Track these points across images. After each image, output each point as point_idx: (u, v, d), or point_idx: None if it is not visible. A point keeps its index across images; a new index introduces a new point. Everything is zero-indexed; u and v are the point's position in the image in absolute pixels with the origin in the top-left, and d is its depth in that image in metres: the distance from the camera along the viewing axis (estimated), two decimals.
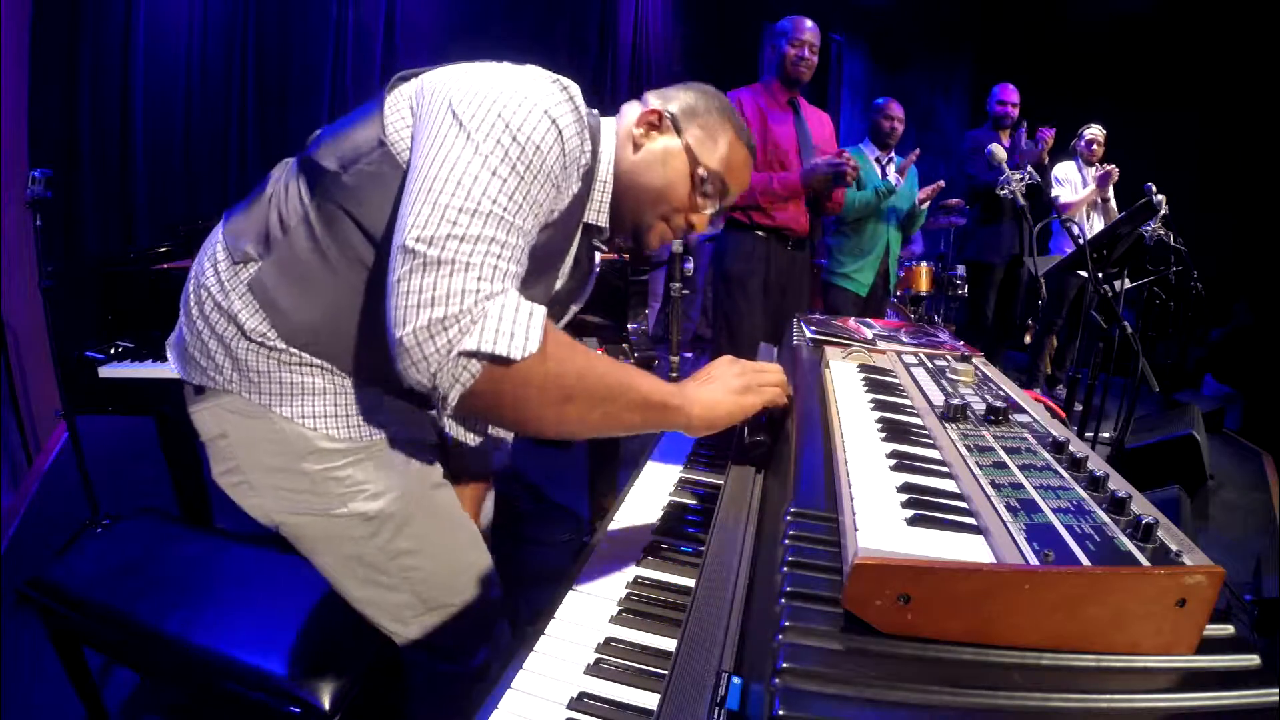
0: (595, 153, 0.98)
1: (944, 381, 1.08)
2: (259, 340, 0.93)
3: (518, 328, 0.74)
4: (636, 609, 0.80)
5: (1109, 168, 4.06)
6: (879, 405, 0.95)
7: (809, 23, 2.69)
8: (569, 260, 1.07)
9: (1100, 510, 0.62)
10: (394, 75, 0.96)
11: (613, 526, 0.99)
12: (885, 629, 0.53)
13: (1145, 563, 0.54)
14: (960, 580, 0.52)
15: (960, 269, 4.98)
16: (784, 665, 0.49)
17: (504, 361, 0.73)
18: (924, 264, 4.53)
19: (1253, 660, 0.53)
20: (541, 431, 0.83)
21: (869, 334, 1.39)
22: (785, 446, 0.97)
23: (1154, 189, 2.92)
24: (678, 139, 1.02)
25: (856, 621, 0.53)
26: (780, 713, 0.46)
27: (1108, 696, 0.50)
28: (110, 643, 1.18)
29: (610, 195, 1.03)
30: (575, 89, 0.90)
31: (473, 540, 1.12)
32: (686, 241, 2.34)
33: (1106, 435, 3.23)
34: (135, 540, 1.33)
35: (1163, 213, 2.96)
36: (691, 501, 1.05)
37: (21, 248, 2.62)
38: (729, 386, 0.94)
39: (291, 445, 0.96)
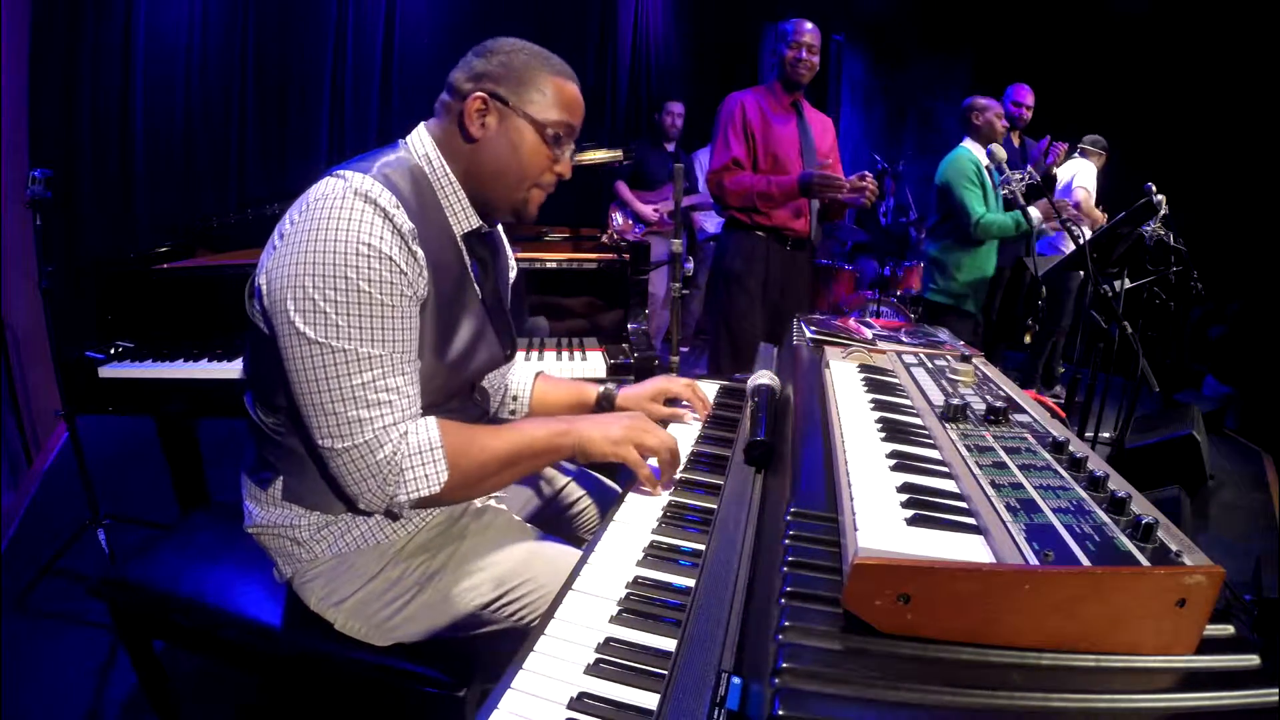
0: (425, 197, 1.03)
1: (944, 381, 1.08)
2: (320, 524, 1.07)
3: (426, 470, 0.98)
4: (636, 609, 0.80)
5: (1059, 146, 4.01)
6: (879, 405, 0.95)
7: (808, 24, 2.67)
8: (470, 277, 1.12)
9: (1100, 510, 0.62)
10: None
11: (613, 526, 0.99)
12: (885, 629, 0.53)
13: (1145, 563, 0.54)
14: (960, 580, 0.52)
15: None
16: (784, 665, 0.49)
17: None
18: (924, 264, 4.51)
19: (1253, 660, 0.53)
20: (481, 495, 1.13)
21: (869, 334, 1.39)
22: (785, 446, 0.97)
23: (1154, 189, 2.91)
24: (511, 111, 1.04)
25: (856, 621, 0.53)
26: (780, 713, 0.46)
27: (1108, 696, 0.50)
28: (186, 630, 1.20)
29: (466, 196, 1.08)
30: (378, 190, 0.94)
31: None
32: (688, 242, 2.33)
33: (1106, 435, 3.23)
34: (207, 531, 1.35)
35: (1163, 213, 2.96)
36: (692, 501, 1.05)
37: (21, 248, 2.62)
38: (609, 435, 1.08)
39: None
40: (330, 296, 0.91)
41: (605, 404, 1.36)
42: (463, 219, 1.09)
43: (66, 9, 3.11)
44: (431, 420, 1.00)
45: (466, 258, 1.11)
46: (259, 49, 3.88)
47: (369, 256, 0.92)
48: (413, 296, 0.98)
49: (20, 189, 1.93)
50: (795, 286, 2.84)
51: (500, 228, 1.28)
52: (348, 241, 0.91)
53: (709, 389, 1.54)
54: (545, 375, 1.42)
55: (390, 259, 0.93)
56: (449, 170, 1.06)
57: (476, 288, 1.13)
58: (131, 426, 2.44)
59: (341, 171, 0.97)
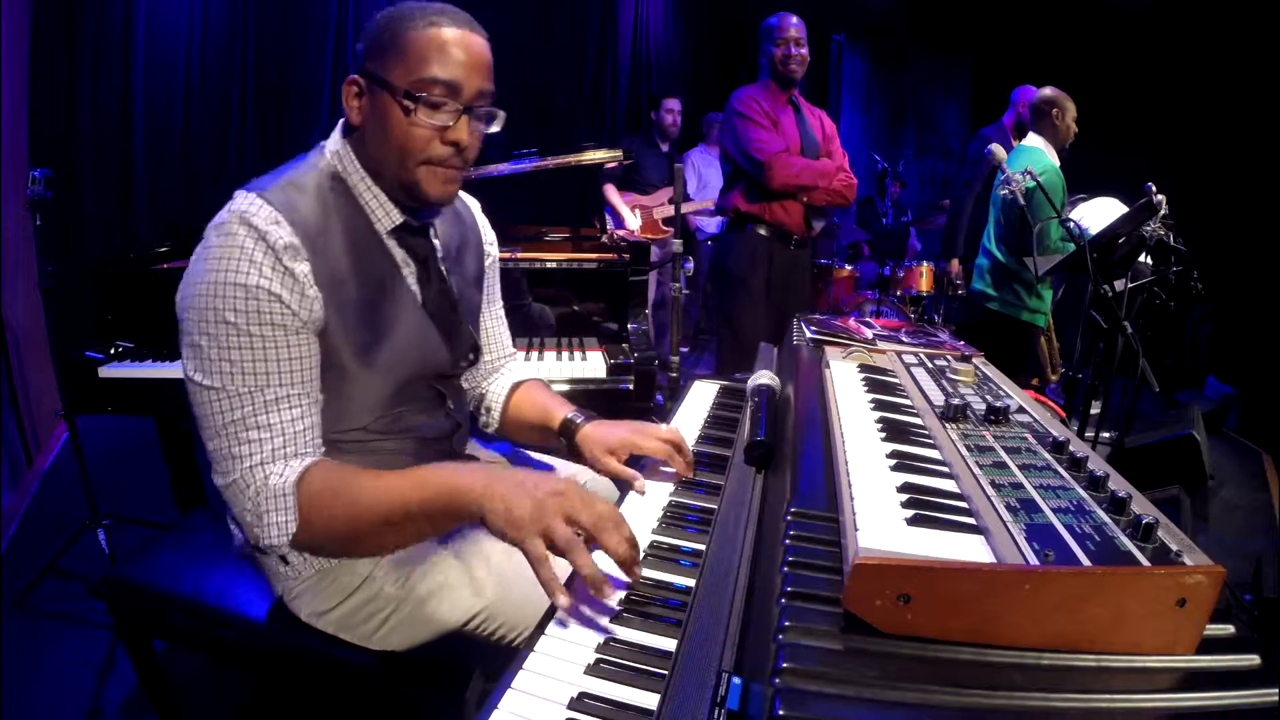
0: (334, 202, 0.98)
1: (944, 381, 1.08)
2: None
3: (277, 517, 0.91)
4: (637, 609, 0.80)
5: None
6: (879, 405, 0.95)
7: (793, 18, 2.63)
8: (400, 277, 1.05)
9: (1100, 510, 0.62)
10: None
11: None
12: (885, 629, 0.53)
13: (1145, 563, 0.54)
14: (960, 580, 0.52)
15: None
16: (784, 665, 0.49)
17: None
18: (924, 264, 4.51)
19: (1253, 660, 0.53)
20: (370, 555, 1.02)
21: (869, 334, 1.39)
22: (785, 446, 0.97)
23: (1154, 189, 2.91)
24: (376, 86, 0.94)
25: (856, 621, 0.53)
26: (781, 712, 0.46)
27: (1108, 696, 0.50)
28: (186, 630, 1.20)
29: (380, 189, 1.02)
30: (256, 207, 0.91)
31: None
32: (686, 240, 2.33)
33: (1106, 435, 3.23)
34: (207, 531, 1.35)
35: (1163, 213, 2.95)
36: (692, 501, 1.05)
37: (21, 248, 2.62)
38: (511, 512, 0.82)
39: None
40: (204, 329, 0.90)
41: (565, 436, 1.20)
42: (382, 215, 1.02)
43: (66, 9, 3.10)
44: (297, 464, 0.93)
45: (399, 256, 1.06)
46: (259, 49, 3.88)
47: (235, 285, 0.88)
48: (295, 322, 0.92)
49: (20, 189, 1.93)
50: (798, 285, 2.84)
51: (479, 218, 1.24)
52: (216, 271, 0.88)
53: (709, 389, 1.54)
54: (527, 386, 1.32)
55: (259, 288, 0.89)
56: (358, 164, 1.00)
57: (415, 289, 1.08)
58: (131, 426, 2.44)
59: (239, 191, 0.95)
